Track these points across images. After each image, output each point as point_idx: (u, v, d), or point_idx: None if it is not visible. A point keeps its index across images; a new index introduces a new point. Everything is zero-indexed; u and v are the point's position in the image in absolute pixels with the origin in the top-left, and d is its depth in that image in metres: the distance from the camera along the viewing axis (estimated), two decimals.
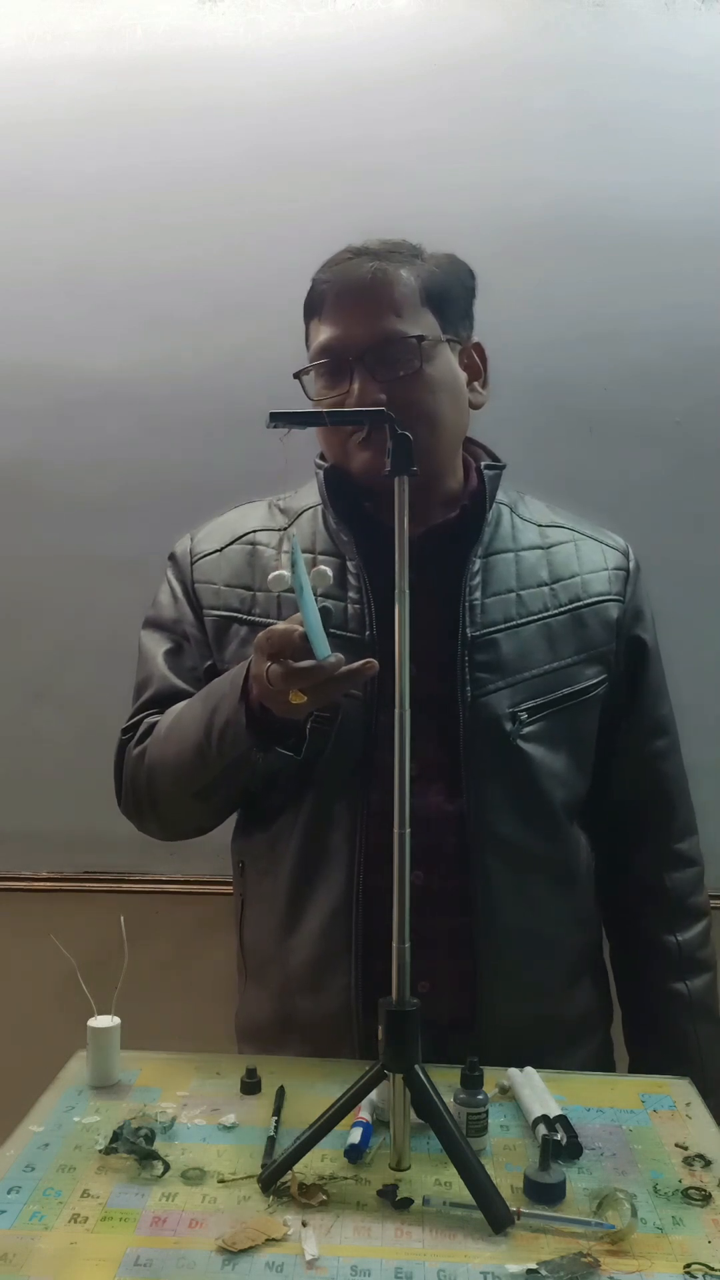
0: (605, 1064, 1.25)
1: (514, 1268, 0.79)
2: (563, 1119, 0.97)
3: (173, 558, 1.27)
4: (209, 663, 1.22)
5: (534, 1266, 0.78)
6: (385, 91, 1.66)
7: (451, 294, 1.17)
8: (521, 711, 1.14)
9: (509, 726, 1.14)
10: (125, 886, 1.74)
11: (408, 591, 0.89)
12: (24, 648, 1.75)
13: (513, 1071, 1.06)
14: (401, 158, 1.65)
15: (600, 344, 1.66)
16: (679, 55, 1.65)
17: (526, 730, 1.15)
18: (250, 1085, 1.04)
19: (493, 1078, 1.02)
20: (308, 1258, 0.79)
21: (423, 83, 1.65)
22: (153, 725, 1.20)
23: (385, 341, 1.11)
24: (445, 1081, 0.94)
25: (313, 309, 1.17)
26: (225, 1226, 0.83)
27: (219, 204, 1.68)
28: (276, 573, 1.11)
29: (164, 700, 1.21)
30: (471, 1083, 0.95)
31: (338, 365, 1.14)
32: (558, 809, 1.18)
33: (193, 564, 1.24)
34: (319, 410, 0.90)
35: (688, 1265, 0.80)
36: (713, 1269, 0.79)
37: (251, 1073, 1.05)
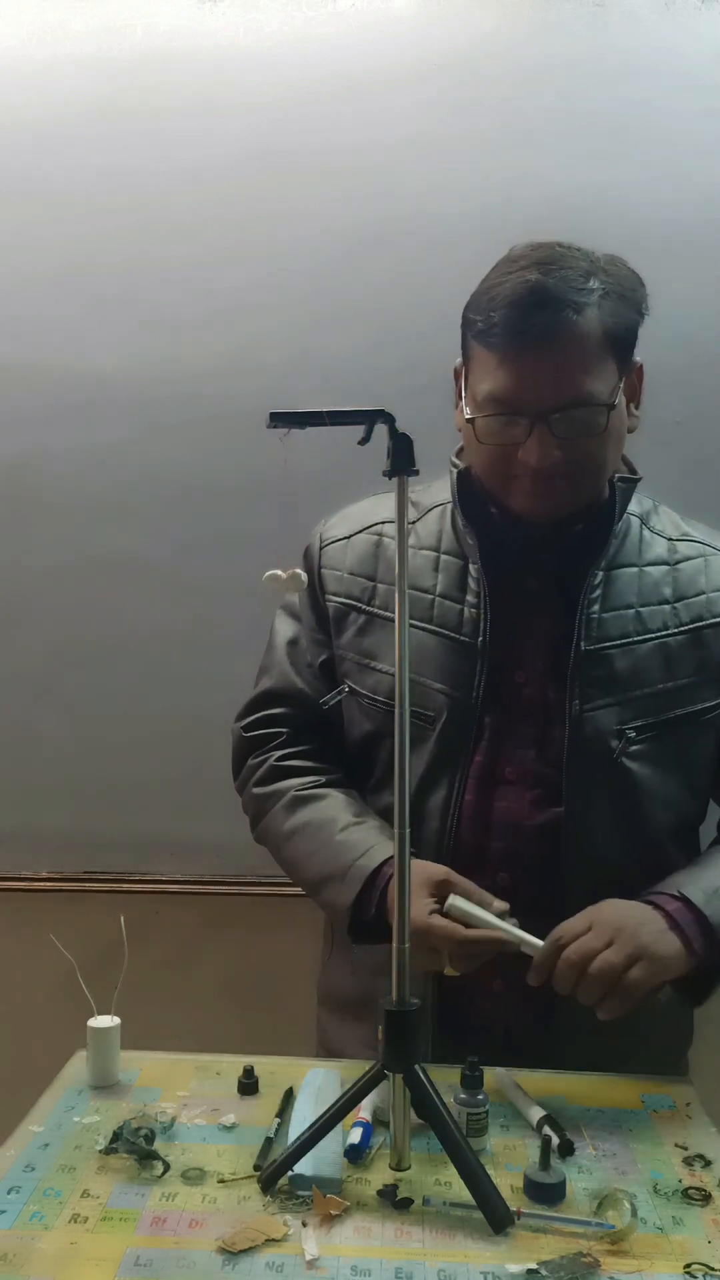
0: (678, 1060, 1.24)
1: (514, 1268, 0.79)
2: (549, 1118, 0.97)
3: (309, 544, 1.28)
4: (324, 656, 1.24)
5: (534, 1266, 0.79)
6: (385, 91, 1.65)
7: (631, 330, 1.10)
8: (630, 730, 1.13)
9: (614, 743, 1.13)
10: (125, 886, 1.73)
11: (408, 591, 0.90)
12: (24, 648, 1.75)
13: (499, 1071, 1.06)
14: (401, 157, 1.64)
15: None
16: (679, 55, 1.65)
17: (633, 749, 1.13)
18: (247, 1085, 1.05)
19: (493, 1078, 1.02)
20: (308, 1258, 0.80)
21: (422, 82, 1.65)
22: (275, 764, 1.23)
23: (572, 405, 1.06)
24: (446, 1081, 0.94)
25: (483, 338, 1.08)
26: (225, 1226, 0.83)
27: (219, 203, 1.67)
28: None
29: (282, 697, 1.26)
30: (471, 1083, 0.96)
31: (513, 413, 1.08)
32: (659, 832, 1.16)
33: (321, 549, 1.26)
34: (318, 410, 0.89)
35: (688, 1265, 0.80)
36: (713, 1269, 0.79)
37: (249, 1073, 1.05)
